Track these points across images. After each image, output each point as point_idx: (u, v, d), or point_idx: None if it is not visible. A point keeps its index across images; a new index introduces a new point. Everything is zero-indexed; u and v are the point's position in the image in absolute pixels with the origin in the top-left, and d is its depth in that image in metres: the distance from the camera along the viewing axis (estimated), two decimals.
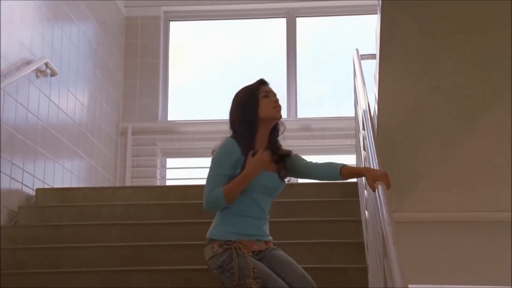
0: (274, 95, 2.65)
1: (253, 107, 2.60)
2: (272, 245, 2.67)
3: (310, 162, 2.69)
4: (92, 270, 3.44)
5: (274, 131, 2.68)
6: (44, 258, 3.58)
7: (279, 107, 2.63)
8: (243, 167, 2.52)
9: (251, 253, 2.54)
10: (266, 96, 2.62)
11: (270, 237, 2.69)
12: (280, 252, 2.65)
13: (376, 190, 2.56)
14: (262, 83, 2.68)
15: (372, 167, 2.84)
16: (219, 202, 2.52)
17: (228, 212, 2.58)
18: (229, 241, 2.52)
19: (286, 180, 2.66)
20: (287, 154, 2.67)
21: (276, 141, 2.68)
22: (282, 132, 2.71)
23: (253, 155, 2.52)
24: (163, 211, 4.19)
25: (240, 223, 2.56)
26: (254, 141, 2.58)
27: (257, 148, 2.57)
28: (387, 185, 2.43)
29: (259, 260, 2.57)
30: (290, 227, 3.74)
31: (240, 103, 2.65)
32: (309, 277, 2.54)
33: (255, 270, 2.45)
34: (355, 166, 2.71)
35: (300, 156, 2.73)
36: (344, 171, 2.56)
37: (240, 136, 2.57)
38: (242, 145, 2.54)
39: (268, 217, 2.68)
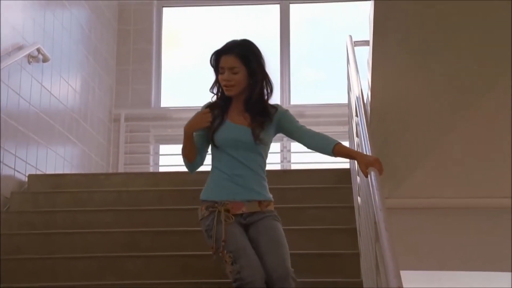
0: (231, 70, 2.54)
1: (215, 80, 2.63)
2: (271, 208, 2.58)
3: (304, 127, 2.63)
4: (87, 256, 3.44)
5: (251, 93, 2.58)
6: (39, 244, 3.58)
7: (226, 87, 2.57)
8: (212, 126, 2.57)
9: (240, 216, 2.49)
10: (221, 73, 2.58)
11: (268, 196, 2.59)
12: (273, 223, 2.53)
13: (369, 176, 2.57)
14: (221, 53, 2.59)
15: (365, 153, 2.85)
16: (183, 161, 2.62)
17: (213, 171, 2.58)
18: (216, 203, 2.49)
19: (259, 140, 2.54)
20: (267, 111, 2.58)
21: (255, 102, 2.57)
22: (269, 93, 2.62)
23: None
24: (156, 197, 4.19)
25: (224, 181, 2.53)
26: (227, 103, 2.60)
27: (231, 114, 2.58)
28: (380, 171, 2.42)
29: (247, 225, 2.51)
30: (284, 213, 3.75)
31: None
32: (287, 264, 2.43)
33: (223, 243, 2.39)
34: (348, 147, 2.60)
35: (292, 116, 2.66)
36: (337, 149, 2.52)
37: (216, 91, 2.65)
38: (215, 105, 2.61)
39: (262, 174, 2.59)
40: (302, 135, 2.60)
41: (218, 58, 2.58)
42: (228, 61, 2.55)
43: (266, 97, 2.60)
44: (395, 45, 3.63)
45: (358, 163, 2.53)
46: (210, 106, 2.63)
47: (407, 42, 3.58)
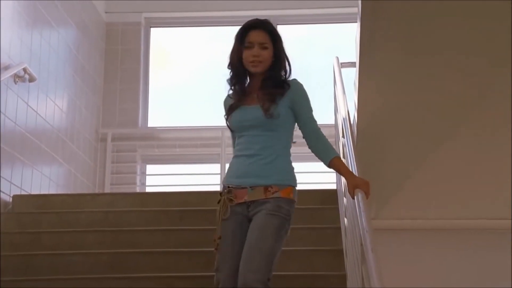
0: (261, 44, 2.47)
1: (237, 56, 2.50)
2: (282, 194, 2.36)
3: (312, 122, 2.52)
4: (71, 277, 3.41)
5: (271, 73, 2.51)
6: (23, 265, 3.54)
7: (254, 62, 2.47)
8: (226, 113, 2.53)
9: (245, 205, 2.36)
10: (247, 48, 2.47)
11: (281, 180, 2.39)
12: (263, 221, 2.31)
13: (355, 198, 2.58)
14: (249, 28, 2.50)
15: (356, 175, 2.85)
16: None
17: (233, 154, 2.54)
18: (224, 187, 2.42)
19: (270, 115, 2.41)
20: (279, 86, 2.49)
21: (272, 80, 2.49)
22: (286, 73, 2.54)
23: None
24: (142, 217, 4.17)
25: (233, 164, 2.47)
26: (243, 88, 2.52)
27: (251, 93, 2.49)
28: (366, 194, 2.41)
29: (251, 215, 2.36)
30: None
31: (233, 46, 2.54)
32: (250, 275, 2.21)
33: (216, 241, 2.34)
34: (344, 164, 2.52)
35: (305, 100, 2.54)
36: (334, 162, 2.45)
37: (231, 81, 2.54)
38: (234, 94, 2.53)
39: (280, 153, 2.43)
40: (307, 131, 2.50)
41: (245, 33, 2.49)
42: (259, 35, 2.48)
43: (283, 77, 2.54)
44: (381, 66, 3.65)
45: (347, 183, 2.50)
46: (230, 95, 2.57)
47: (393, 64, 3.61)
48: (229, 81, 2.56)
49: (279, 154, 2.43)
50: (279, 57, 2.52)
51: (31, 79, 4.68)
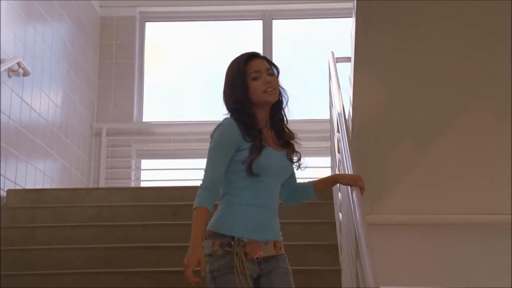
0: (268, 70, 2.25)
1: (242, 92, 2.22)
2: (282, 250, 2.25)
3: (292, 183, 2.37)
4: (65, 272, 3.40)
5: (277, 106, 2.30)
6: (17, 260, 3.53)
7: (270, 89, 2.23)
8: (250, 152, 2.17)
9: (256, 262, 2.15)
10: (255, 79, 2.23)
11: (280, 235, 2.27)
12: (286, 281, 2.20)
13: (350, 193, 2.58)
14: (250, 58, 2.27)
15: (346, 171, 2.85)
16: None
17: (234, 200, 2.18)
18: (233, 240, 2.11)
19: (294, 160, 2.29)
20: (291, 138, 2.32)
21: (280, 118, 2.31)
22: (286, 104, 2.34)
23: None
24: (137, 212, 4.16)
25: (250, 214, 2.16)
26: (254, 122, 2.22)
27: (260, 127, 2.24)
28: (362, 190, 2.35)
29: (261, 275, 2.15)
30: None
31: (230, 84, 2.27)
32: None
33: None
34: (325, 178, 2.42)
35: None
36: (316, 185, 2.35)
37: (237, 119, 2.21)
38: (241, 127, 2.20)
39: (276, 207, 2.27)
40: (293, 184, 2.36)
41: (246, 65, 2.24)
42: (261, 63, 2.27)
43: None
44: (376, 61, 3.65)
45: (341, 181, 2.43)
46: (241, 127, 2.21)
47: (388, 58, 3.61)
48: (236, 116, 2.22)
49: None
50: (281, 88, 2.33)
51: (25, 73, 4.66)
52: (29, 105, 4.83)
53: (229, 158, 2.18)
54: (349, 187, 2.64)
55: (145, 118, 6.62)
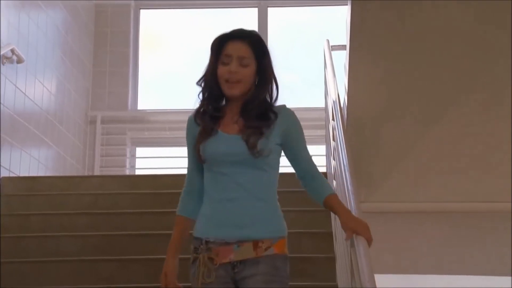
0: (241, 59, 1.95)
1: (211, 73, 1.99)
2: (276, 250, 1.90)
3: (308, 162, 2.03)
4: (61, 259, 3.40)
5: (255, 96, 1.98)
6: (12, 248, 3.53)
7: (231, 82, 1.95)
8: (198, 137, 1.98)
9: (230, 266, 1.88)
10: (224, 63, 1.96)
11: (271, 232, 1.91)
12: (260, 286, 1.85)
13: (345, 181, 2.58)
14: (229, 38, 1.98)
15: (341, 159, 2.85)
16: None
17: (204, 196, 1.98)
18: (201, 242, 1.90)
19: (258, 153, 1.89)
20: (266, 115, 1.97)
21: (255, 106, 1.97)
22: (275, 97, 2.03)
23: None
24: (132, 200, 4.16)
25: (212, 209, 1.92)
26: (214, 108, 1.99)
27: (224, 123, 1.97)
28: (368, 241, 1.93)
29: (239, 278, 1.87)
30: None
31: (209, 59, 2.03)
32: None
33: None
34: (337, 201, 2.00)
35: (298, 130, 2.04)
36: (328, 199, 1.98)
37: (202, 101, 2.02)
38: (203, 116, 1.98)
39: (267, 198, 1.95)
40: (302, 171, 2.02)
41: (223, 44, 1.97)
42: (239, 48, 1.95)
43: (270, 100, 2.03)
44: (371, 49, 3.65)
45: (342, 225, 1.97)
46: (197, 114, 2.02)
47: (383, 46, 3.61)
48: (200, 99, 2.02)
49: (268, 197, 1.94)
50: (264, 77, 2.00)
51: (19, 61, 4.63)
52: (23, 93, 4.81)
53: (195, 156, 1.99)
54: (345, 174, 2.65)
55: (140, 106, 6.61)
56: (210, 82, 1.99)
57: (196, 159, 1.99)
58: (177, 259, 2.01)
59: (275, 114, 1.99)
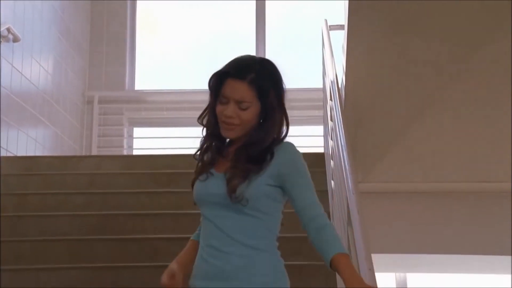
0: (239, 103, 1.71)
1: (210, 112, 1.79)
2: None
3: (311, 208, 1.72)
4: (59, 238, 3.41)
5: (260, 139, 1.74)
6: (10, 227, 3.53)
7: (227, 124, 1.73)
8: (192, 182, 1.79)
9: None
10: (222, 103, 1.74)
11: (259, 283, 1.64)
12: None
13: (342, 161, 2.58)
14: (228, 76, 1.73)
15: (338, 139, 2.84)
16: None
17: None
18: None
19: (235, 198, 1.65)
20: (260, 157, 1.71)
21: (249, 148, 1.73)
22: (283, 135, 1.78)
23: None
24: (129, 180, 4.16)
25: (198, 258, 1.74)
26: (218, 147, 1.79)
27: (224, 159, 1.76)
28: None
29: None
30: None
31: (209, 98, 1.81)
32: None
33: None
34: (345, 264, 1.59)
35: (297, 172, 1.73)
36: (334, 260, 1.59)
37: (205, 141, 1.83)
38: (202, 156, 1.82)
39: (256, 244, 1.68)
40: (305, 219, 1.72)
41: (221, 82, 1.74)
42: (237, 90, 1.71)
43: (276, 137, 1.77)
44: (370, 29, 3.63)
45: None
46: (200, 150, 1.83)
47: (382, 26, 3.59)
48: (201, 121, 1.82)
49: (260, 245, 1.68)
50: (270, 118, 1.74)
51: (15, 39, 4.60)
52: (19, 72, 4.78)
53: None
54: (342, 155, 2.65)
55: (137, 86, 6.59)
56: (210, 121, 1.79)
57: None
58: (180, 267, 1.76)
59: (272, 154, 1.72)
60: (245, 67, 1.74)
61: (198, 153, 1.83)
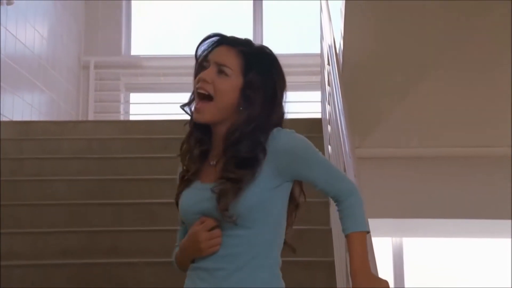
0: (216, 65, 1.47)
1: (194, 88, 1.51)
2: None
3: (334, 185, 1.47)
4: (55, 203, 3.41)
5: (240, 128, 1.46)
6: (5, 191, 3.53)
7: (199, 100, 1.47)
8: (178, 185, 1.53)
9: None
10: (202, 70, 1.51)
11: None
12: None
13: (339, 125, 2.57)
14: (218, 43, 1.51)
15: (336, 104, 2.82)
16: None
17: None
18: None
19: (228, 217, 1.40)
20: (253, 158, 1.43)
21: (236, 140, 1.45)
22: (269, 128, 1.47)
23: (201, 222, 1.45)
24: (126, 145, 4.15)
25: (188, 280, 1.50)
26: (200, 139, 1.51)
27: (210, 159, 1.50)
28: None
29: None
30: None
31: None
32: None
33: None
34: (361, 249, 1.41)
35: (304, 154, 1.46)
36: (348, 239, 1.44)
37: (188, 138, 1.55)
38: (187, 161, 1.52)
39: (258, 261, 1.43)
40: (331, 196, 1.50)
41: (198, 47, 1.54)
42: (222, 53, 1.49)
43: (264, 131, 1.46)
44: None
45: (351, 278, 1.41)
46: (182, 153, 1.54)
47: None
48: (183, 107, 1.56)
49: (257, 263, 1.43)
50: (251, 100, 1.46)
51: (9, 2, 4.53)
52: (14, 36, 4.73)
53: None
54: (340, 119, 2.63)
55: (134, 52, 6.53)
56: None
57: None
58: None
59: (265, 152, 1.43)
60: (240, 40, 1.52)
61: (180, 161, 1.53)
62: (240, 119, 1.45)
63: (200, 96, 1.46)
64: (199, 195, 1.46)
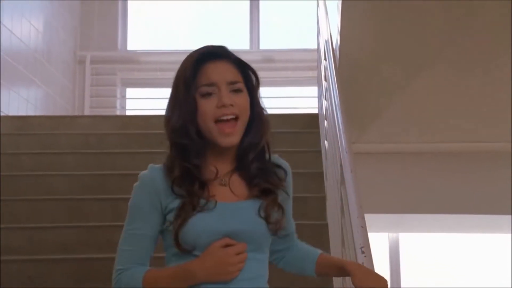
0: (231, 85, 1.37)
1: (187, 112, 1.39)
2: None
3: (294, 225, 1.61)
4: (52, 198, 3.41)
5: (255, 139, 1.43)
6: (2, 186, 3.53)
7: (227, 117, 1.36)
8: (177, 215, 1.37)
9: None
10: (205, 95, 1.37)
11: None
12: None
13: (336, 120, 2.57)
14: (204, 58, 1.38)
15: (332, 98, 2.83)
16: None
17: None
18: None
19: (278, 228, 1.40)
20: (275, 185, 1.45)
21: (257, 160, 1.44)
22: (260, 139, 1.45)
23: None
24: (122, 140, 4.15)
25: None
26: (195, 166, 1.38)
27: (214, 185, 1.39)
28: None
29: None
30: None
31: (173, 98, 1.44)
32: None
33: None
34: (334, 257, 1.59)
35: (292, 194, 1.56)
36: (320, 261, 1.50)
37: (176, 163, 1.40)
38: (170, 173, 1.40)
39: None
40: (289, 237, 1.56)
41: (198, 69, 1.39)
42: (225, 69, 1.37)
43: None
44: None
45: (351, 277, 1.37)
46: (174, 180, 1.40)
47: None
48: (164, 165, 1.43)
49: (266, 285, 1.43)
50: (258, 112, 1.44)
51: None
52: (9, 30, 4.71)
53: (149, 234, 1.45)
54: (336, 115, 2.63)
55: (130, 46, 6.52)
56: (185, 129, 1.37)
57: (170, 243, 1.39)
58: None
59: (279, 167, 1.51)
60: (223, 48, 1.40)
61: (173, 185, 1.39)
62: (257, 133, 1.43)
63: (229, 115, 1.36)
64: (244, 214, 1.37)
